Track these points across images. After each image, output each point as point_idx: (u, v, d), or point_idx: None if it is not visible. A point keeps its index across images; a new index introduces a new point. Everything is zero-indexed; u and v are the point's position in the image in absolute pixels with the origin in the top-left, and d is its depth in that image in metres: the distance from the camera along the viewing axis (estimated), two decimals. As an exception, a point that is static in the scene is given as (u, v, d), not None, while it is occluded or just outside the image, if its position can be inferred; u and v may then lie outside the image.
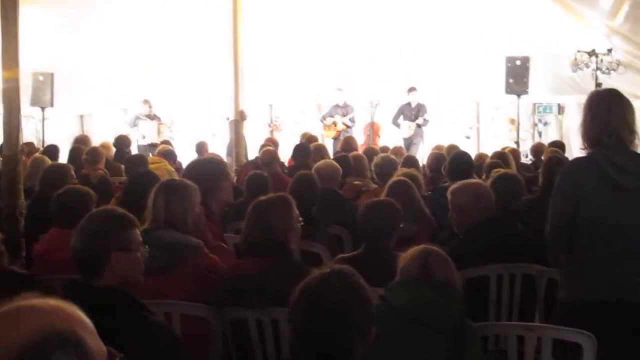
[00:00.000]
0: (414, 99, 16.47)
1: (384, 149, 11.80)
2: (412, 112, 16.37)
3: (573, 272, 4.17)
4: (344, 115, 17.03)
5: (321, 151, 10.02)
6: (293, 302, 2.83)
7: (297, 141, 16.29)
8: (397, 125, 16.61)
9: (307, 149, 10.26)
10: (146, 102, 17.06)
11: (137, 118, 16.84)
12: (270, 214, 4.39)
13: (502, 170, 7.22)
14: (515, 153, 10.27)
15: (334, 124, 16.99)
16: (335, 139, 16.86)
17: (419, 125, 16.27)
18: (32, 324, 1.59)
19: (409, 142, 16.27)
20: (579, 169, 4.18)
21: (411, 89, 16.46)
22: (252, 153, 13.62)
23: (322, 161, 7.56)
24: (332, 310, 2.74)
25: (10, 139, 7.12)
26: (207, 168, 5.71)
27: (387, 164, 7.94)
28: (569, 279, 4.20)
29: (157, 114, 17.25)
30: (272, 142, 13.32)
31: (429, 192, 7.24)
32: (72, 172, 7.42)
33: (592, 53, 12.55)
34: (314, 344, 2.75)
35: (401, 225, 4.98)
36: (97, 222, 3.48)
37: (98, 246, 3.36)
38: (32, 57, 13.44)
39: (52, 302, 1.66)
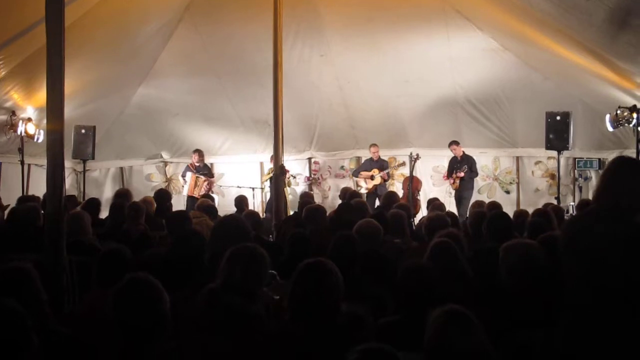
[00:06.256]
0: (457, 153, 16.50)
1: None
2: (461, 165, 16.33)
3: None
4: (380, 170, 17.04)
5: (362, 208, 9.94)
6: None
7: (335, 195, 16.44)
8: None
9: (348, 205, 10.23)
10: (196, 152, 17.33)
11: (187, 169, 17.11)
12: (322, 278, 4.36)
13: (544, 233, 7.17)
14: (557, 211, 10.12)
15: (372, 177, 16.96)
16: (370, 192, 16.86)
17: (461, 178, 16.20)
18: None
19: (460, 194, 16.32)
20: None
21: (451, 144, 16.49)
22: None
23: (364, 220, 7.49)
24: None
25: (54, 194, 7.16)
26: None
27: (441, 221, 7.92)
28: None
29: (206, 164, 17.65)
30: (309, 197, 13.30)
31: (471, 253, 7.14)
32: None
33: (633, 109, 12.39)
34: None
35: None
36: (140, 293, 3.55)
37: (152, 314, 3.44)
38: (74, 111, 13.67)
39: None
